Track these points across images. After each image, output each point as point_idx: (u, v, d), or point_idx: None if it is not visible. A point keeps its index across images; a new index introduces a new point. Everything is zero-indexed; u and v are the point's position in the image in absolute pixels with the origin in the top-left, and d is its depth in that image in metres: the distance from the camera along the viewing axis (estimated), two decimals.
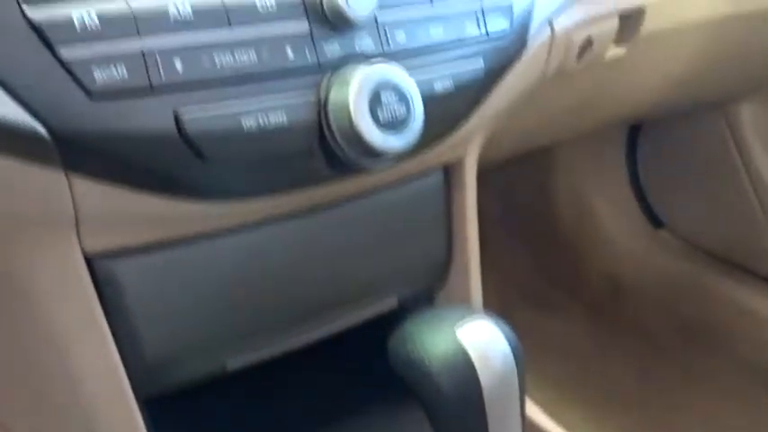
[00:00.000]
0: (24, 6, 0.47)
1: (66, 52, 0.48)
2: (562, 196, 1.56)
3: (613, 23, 0.93)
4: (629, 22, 0.95)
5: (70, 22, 0.48)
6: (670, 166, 1.49)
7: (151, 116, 0.50)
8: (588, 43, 0.90)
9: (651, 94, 1.18)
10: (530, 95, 0.83)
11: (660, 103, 1.23)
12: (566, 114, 1.09)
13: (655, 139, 1.48)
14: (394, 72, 0.57)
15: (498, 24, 0.67)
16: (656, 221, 1.53)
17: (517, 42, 0.71)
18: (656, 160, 1.50)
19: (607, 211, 1.54)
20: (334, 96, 0.56)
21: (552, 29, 0.79)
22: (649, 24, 0.97)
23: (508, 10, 0.68)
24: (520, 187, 1.55)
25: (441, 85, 0.62)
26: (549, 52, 0.82)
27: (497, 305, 0.96)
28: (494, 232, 1.05)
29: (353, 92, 0.55)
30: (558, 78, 0.89)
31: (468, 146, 0.76)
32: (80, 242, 0.54)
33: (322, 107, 0.56)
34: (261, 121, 0.54)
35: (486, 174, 0.90)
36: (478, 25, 0.65)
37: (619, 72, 1.03)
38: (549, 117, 1.07)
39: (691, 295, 1.49)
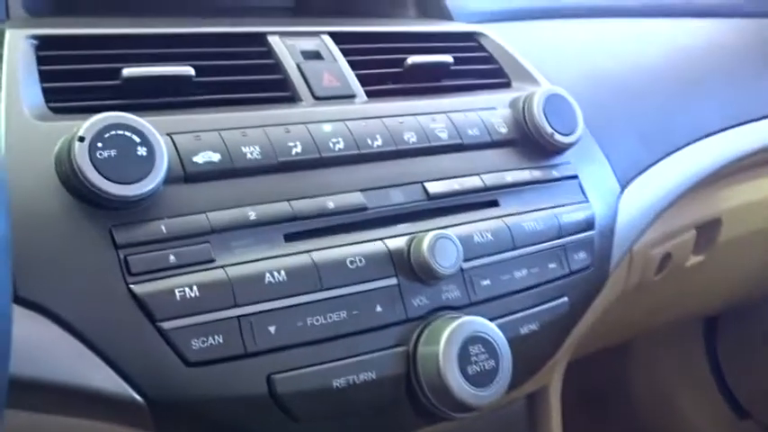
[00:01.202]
0: (129, 280, 0.48)
1: (167, 324, 0.48)
2: (641, 386, 1.49)
3: (691, 236, 0.91)
4: (707, 232, 0.93)
5: (172, 296, 0.48)
6: (750, 354, 1.41)
7: (244, 380, 0.50)
8: (667, 258, 0.88)
9: (729, 291, 1.14)
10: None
11: (738, 297, 1.19)
12: (645, 315, 1.06)
13: (733, 326, 1.42)
14: (482, 325, 0.56)
15: (581, 260, 0.66)
16: (740, 411, 1.44)
17: (600, 275, 0.69)
18: (737, 348, 1.43)
19: (689, 402, 1.46)
20: (423, 350, 0.55)
21: (631, 252, 0.78)
22: (726, 232, 0.96)
23: (590, 245, 0.67)
24: (596, 376, 1.49)
25: (526, 328, 0.61)
26: (629, 271, 0.80)
27: None
28: (569, 423, 1.00)
29: (443, 347, 0.54)
30: (637, 288, 0.87)
31: (553, 374, 0.73)
32: None
33: (411, 359, 0.55)
34: (351, 379, 0.53)
35: None
36: (561, 263, 0.65)
37: (697, 275, 1.00)
38: (627, 319, 1.04)
39: None
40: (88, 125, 0.48)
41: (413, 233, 0.57)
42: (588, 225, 0.68)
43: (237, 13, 0.84)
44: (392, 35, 0.73)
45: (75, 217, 0.48)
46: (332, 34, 0.68)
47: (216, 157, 0.53)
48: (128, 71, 0.56)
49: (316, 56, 0.66)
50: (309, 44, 0.67)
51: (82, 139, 0.48)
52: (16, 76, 0.53)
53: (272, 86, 0.63)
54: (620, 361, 1.47)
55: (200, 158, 0.53)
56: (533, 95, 0.68)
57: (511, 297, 0.61)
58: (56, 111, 0.54)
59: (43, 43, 0.57)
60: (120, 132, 0.49)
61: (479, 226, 0.61)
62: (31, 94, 0.53)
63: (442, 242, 0.56)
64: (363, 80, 0.66)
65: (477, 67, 0.76)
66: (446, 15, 0.85)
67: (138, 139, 0.50)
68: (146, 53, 0.60)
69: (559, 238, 0.65)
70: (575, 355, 0.83)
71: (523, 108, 0.69)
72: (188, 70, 0.58)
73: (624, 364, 1.48)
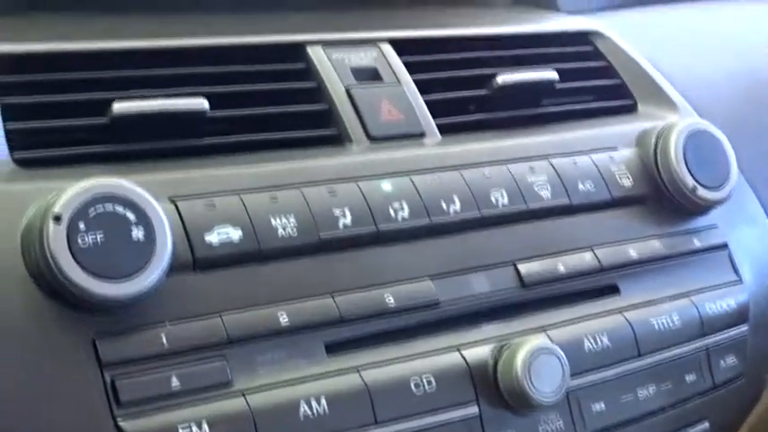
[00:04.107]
0: (118, 414, 0.47)
1: None
2: None
3: None
4: None
5: None
6: None
7: None
8: None
9: None
10: None
11: None
12: None
13: None
14: None
15: (729, 368, 0.64)
16: None
17: (753, 386, 0.67)
18: None
19: None
20: None
21: None
22: None
23: (741, 345, 0.65)
24: None
25: None
26: None
27: None
28: None
29: None
30: None
31: None
32: None
33: None
34: None
35: None
36: (702, 374, 0.63)
37: None
38: None
39: None
40: (66, 199, 0.47)
41: (500, 337, 0.56)
42: (740, 316, 0.66)
43: None
44: (475, 40, 0.71)
45: (45, 322, 0.47)
46: (393, 42, 0.67)
47: (236, 234, 0.52)
48: (119, 107, 0.55)
49: (372, 75, 0.64)
50: (363, 58, 0.65)
51: (58, 219, 0.47)
52: None
53: (312, 121, 0.61)
54: None
55: (214, 237, 0.52)
56: (669, 132, 0.66)
57: (633, 426, 0.59)
58: (23, 163, 0.53)
59: (6, 64, 0.56)
60: (110, 208, 0.48)
61: (592, 325, 0.59)
62: None
63: (543, 360, 0.54)
64: (435, 109, 0.64)
65: (592, 83, 0.74)
66: (550, 2, 0.83)
67: (133, 217, 0.48)
68: (141, 76, 0.59)
69: (701, 338, 0.63)
70: None
71: (656, 150, 0.66)
72: (200, 104, 0.56)
73: None
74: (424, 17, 0.77)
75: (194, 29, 0.65)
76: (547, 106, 0.70)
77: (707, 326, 0.63)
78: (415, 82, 0.65)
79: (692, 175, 0.66)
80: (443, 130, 0.64)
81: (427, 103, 0.64)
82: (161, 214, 0.49)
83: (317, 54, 0.64)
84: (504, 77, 0.67)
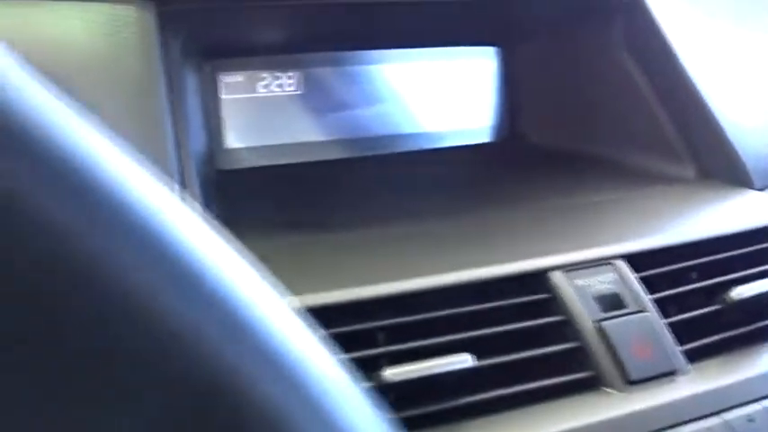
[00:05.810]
0: None
1: None
2: None
3: None
4: None
5: None
6: None
7: None
8: None
9: None
10: None
11: None
12: None
13: None
14: None
15: None
16: None
17: None
18: None
19: None
20: None
21: None
22: None
23: None
24: None
25: None
26: None
27: None
28: None
29: None
30: None
31: None
32: None
33: None
34: None
35: None
36: None
37: None
38: None
39: None
40: None
41: None
42: None
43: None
44: (701, 245, 0.68)
45: None
46: (628, 258, 0.64)
47: None
48: (392, 373, 0.52)
49: (615, 303, 0.62)
50: (604, 282, 0.62)
51: None
52: None
53: (562, 359, 0.59)
54: None
55: None
56: None
57: None
58: None
59: None
60: None
61: None
62: None
63: None
64: (677, 332, 0.62)
65: None
66: (740, 176, 0.80)
67: None
68: (400, 323, 0.56)
69: None
70: None
71: None
72: (466, 360, 0.54)
73: None
74: (632, 209, 0.74)
75: (421, 252, 0.63)
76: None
77: None
78: (655, 303, 0.62)
79: None
80: (689, 356, 0.61)
81: (668, 326, 0.62)
82: None
83: (560, 282, 0.61)
84: (740, 291, 0.65)
